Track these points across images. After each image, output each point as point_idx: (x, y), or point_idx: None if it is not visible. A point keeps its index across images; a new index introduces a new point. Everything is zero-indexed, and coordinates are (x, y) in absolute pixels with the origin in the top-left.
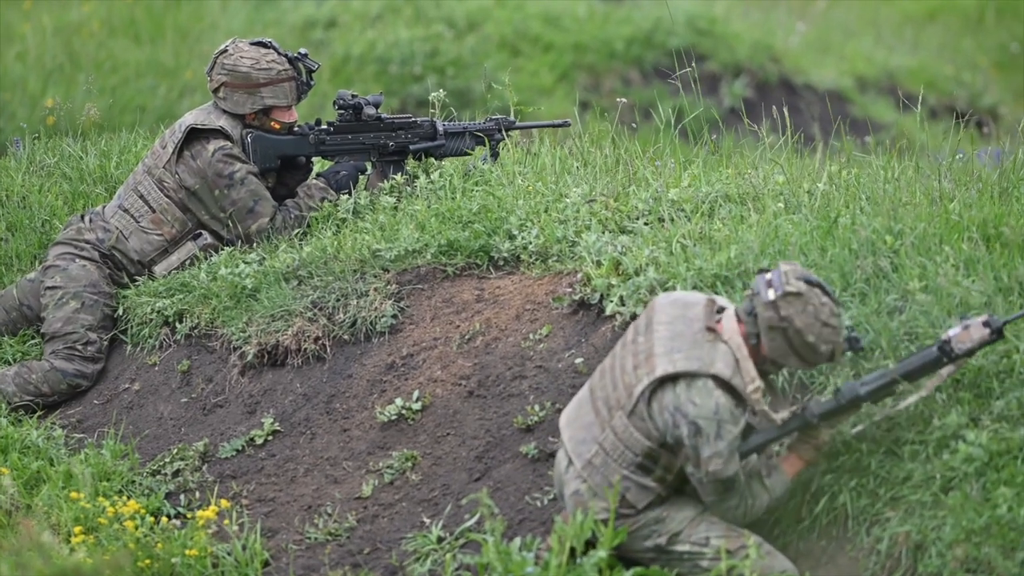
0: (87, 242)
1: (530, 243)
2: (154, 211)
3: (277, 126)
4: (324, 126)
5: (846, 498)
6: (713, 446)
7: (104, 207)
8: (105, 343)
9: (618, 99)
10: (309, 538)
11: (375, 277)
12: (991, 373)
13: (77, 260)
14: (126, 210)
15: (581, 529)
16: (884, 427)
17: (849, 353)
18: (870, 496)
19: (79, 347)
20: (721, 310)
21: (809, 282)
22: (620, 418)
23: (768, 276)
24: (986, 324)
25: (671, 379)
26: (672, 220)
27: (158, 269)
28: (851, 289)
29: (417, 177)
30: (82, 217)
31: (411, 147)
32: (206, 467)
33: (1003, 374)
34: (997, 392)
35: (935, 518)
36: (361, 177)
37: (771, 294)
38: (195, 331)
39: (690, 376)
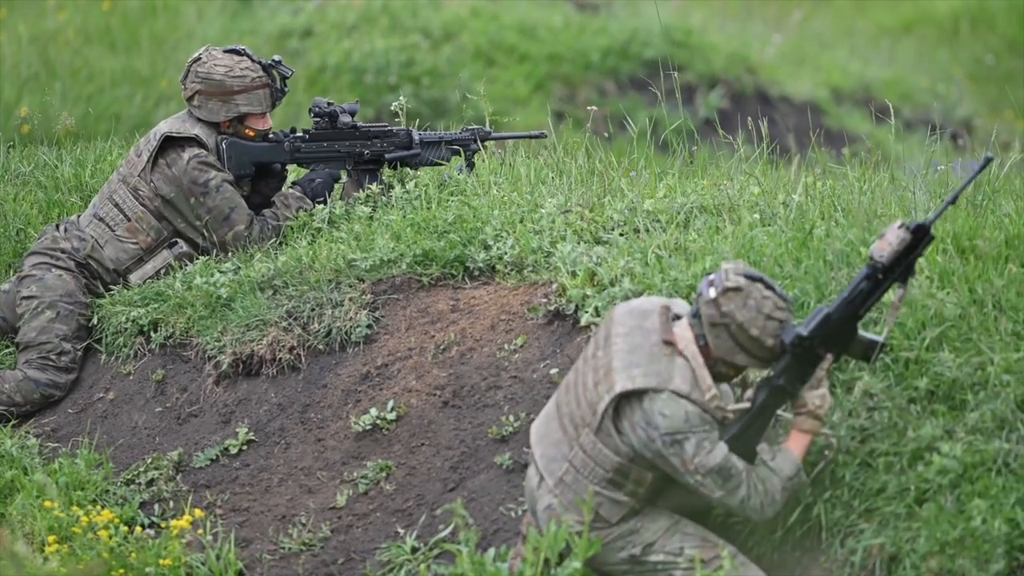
0: (63, 251)
1: (505, 253)
2: (129, 220)
3: (252, 133)
4: (299, 133)
5: (820, 509)
6: (694, 446)
7: (79, 216)
8: (79, 353)
9: (589, 107)
10: (283, 548)
11: (350, 287)
12: (966, 385)
13: (53, 270)
14: (101, 219)
15: (555, 539)
16: (858, 438)
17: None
18: (844, 508)
19: (53, 357)
20: (677, 317)
21: (750, 277)
22: (587, 435)
23: (711, 276)
24: (902, 227)
25: (634, 395)
26: (647, 231)
27: (133, 278)
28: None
29: (392, 187)
30: (57, 227)
31: (386, 156)
32: (180, 476)
33: (977, 386)
34: (971, 404)
35: (909, 530)
36: (336, 186)
37: (712, 292)
38: (170, 340)
39: (652, 391)
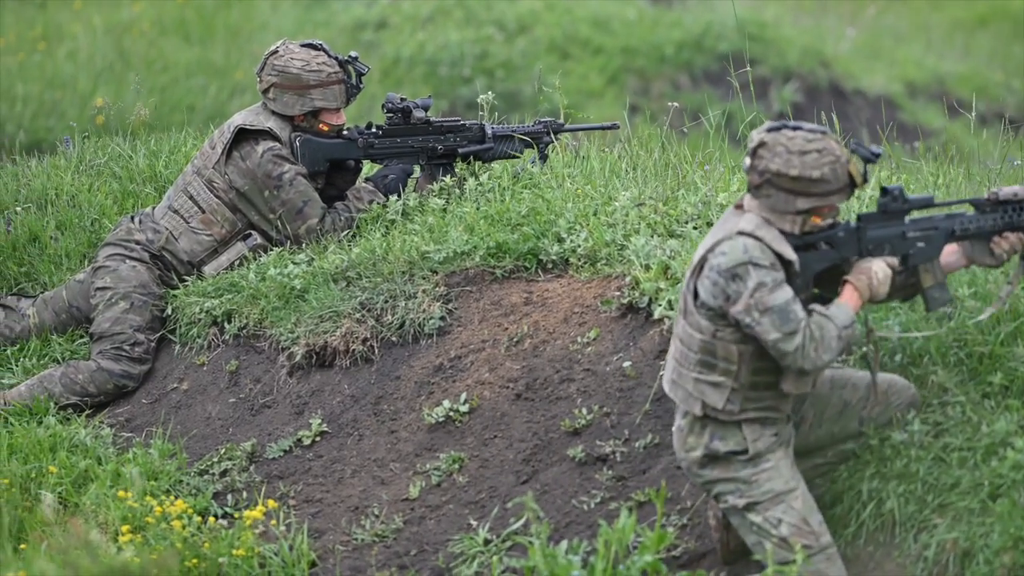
0: (137, 243)
1: (579, 246)
2: (204, 211)
3: (326, 128)
4: (373, 129)
5: (893, 504)
6: (755, 279)
7: (154, 208)
8: (152, 344)
9: (669, 103)
10: (356, 539)
11: (423, 279)
12: None
13: (127, 261)
14: (176, 211)
15: (624, 532)
16: (932, 433)
17: (869, 165)
18: (918, 502)
19: (126, 348)
20: None
21: (772, 129)
22: (682, 325)
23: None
24: None
25: (706, 258)
26: None
27: (207, 269)
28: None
29: (466, 179)
30: (132, 218)
31: (460, 150)
32: (253, 467)
33: None
34: None
35: (983, 525)
36: (410, 180)
37: (747, 160)
38: (243, 331)
39: (717, 243)
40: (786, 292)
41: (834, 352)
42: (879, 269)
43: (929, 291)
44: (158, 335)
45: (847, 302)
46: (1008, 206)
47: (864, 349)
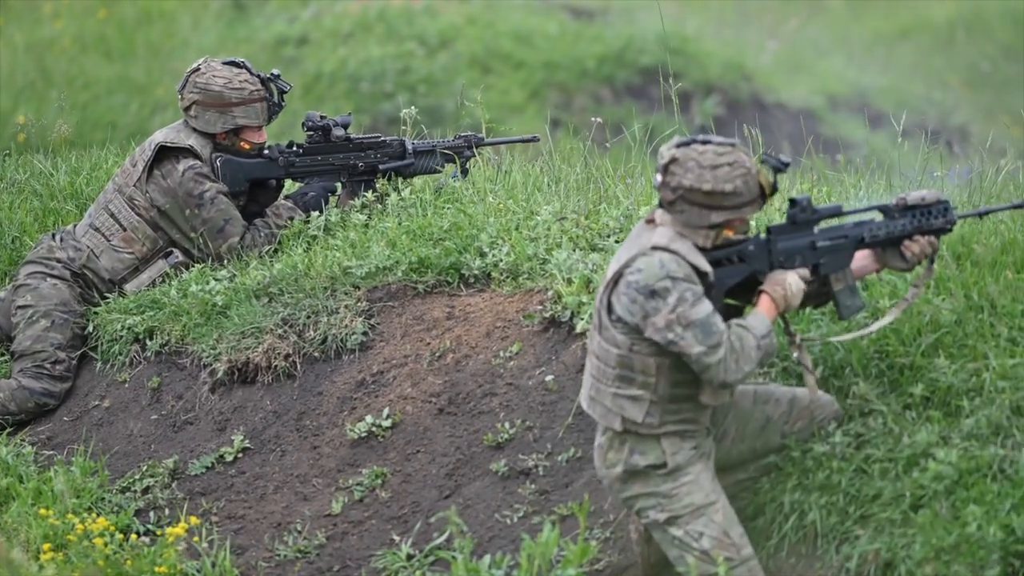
0: (58, 261)
1: (501, 260)
2: (125, 229)
3: (247, 146)
4: (293, 148)
5: (815, 516)
6: (675, 294)
7: (75, 226)
8: (73, 362)
9: (591, 117)
10: (279, 555)
11: (346, 294)
12: (961, 391)
13: (48, 279)
14: (97, 229)
15: (547, 546)
16: (854, 444)
17: (779, 174)
18: (840, 514)
19: (47, 366)
20: None
21: (681, 144)
22: (597, 341)
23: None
24: (941, 202)
25: (621, 274)
26: None
27: (129, 287)
28: (822, 307)
29: (388, 194)
30: (53, 236)
31: (380, 166)
32: (176, 484)
33: (973, 392)
34: (967, 410)
35: (905, 536)
36: (331, 198)
37: (658, 177)
38: (165, 348)
39: (631, 260)
40: (707, 306)
41: (754, 363)
42: (793, 281)
43: (841, 299)
44: (79, 353)
45: (763, 312)
46: (916, 210)
47: (784, 363)
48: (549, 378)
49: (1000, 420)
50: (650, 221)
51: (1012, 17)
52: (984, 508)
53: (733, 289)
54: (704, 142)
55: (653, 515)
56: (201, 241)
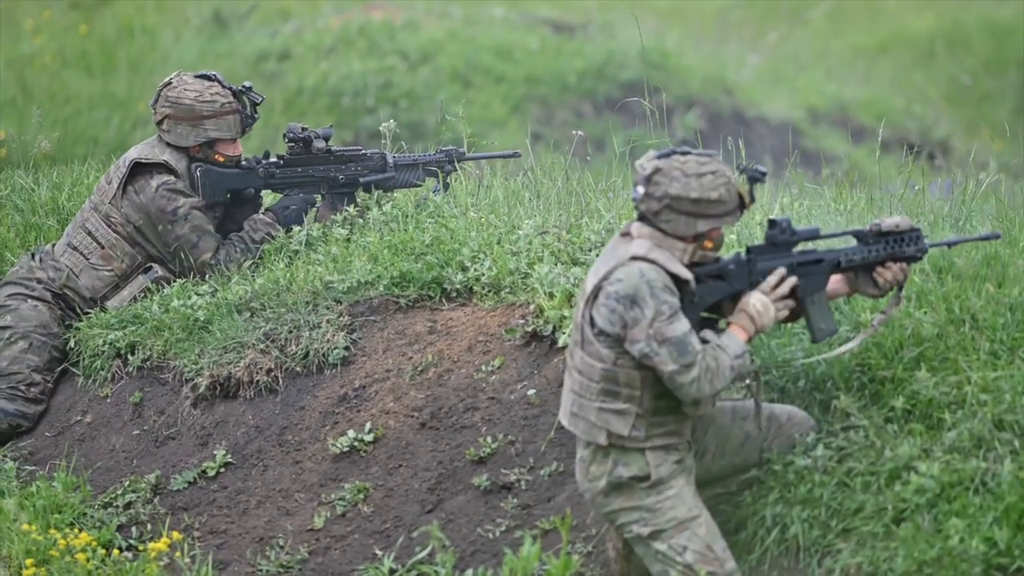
0: (39, 281)
1: (483, 275)
2: (103, 247)
3: (221, 159)
4: (273, 159)
5: (797, 529)
6: (653, 307)
7: (54, 245)
8: (49, 385)
9: (572, 131)
10: (261, 570)
11: (327, 309)
12: (943, 404)
13: (28, 300)
14: (75, 247)
15: (529, 560)
16: (835, 458)
17: (756, 183)
18: (821, 527)
19: (22, 388)
20: None
21: (661, 155)
22: (579, 356)
23: (635, 181)
24: (915, 230)
25: (600, 287)
26: None
27: (110, 304)
28: (803, 320)
29: (369, 209)
30: (33, 255)
31: (361, 179)
32: (158, 499)
33: (954, 405)
34: (949, 423)
35: (887, 549)
36: (311, 210)
37: (640, 189)
38: (147, 363)
39: (610, 271)
40: (683, 323)
41: (726, 380)
42: (755, 301)
43: (815, 322)
44: (55, 375)
45: (736, 334)
46: (890, 237)
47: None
48: (531, 392)
49: (982, 433)
50: (626, 234)
51: (991, 31)
52: (966, 521)
53: (711, 307)
54: (683, 152)
55: (636, 529)
56: (178, 256)
